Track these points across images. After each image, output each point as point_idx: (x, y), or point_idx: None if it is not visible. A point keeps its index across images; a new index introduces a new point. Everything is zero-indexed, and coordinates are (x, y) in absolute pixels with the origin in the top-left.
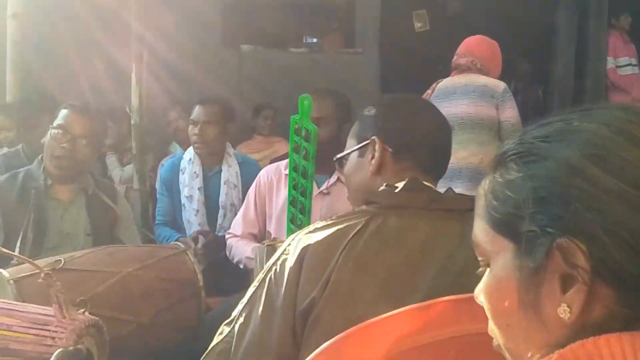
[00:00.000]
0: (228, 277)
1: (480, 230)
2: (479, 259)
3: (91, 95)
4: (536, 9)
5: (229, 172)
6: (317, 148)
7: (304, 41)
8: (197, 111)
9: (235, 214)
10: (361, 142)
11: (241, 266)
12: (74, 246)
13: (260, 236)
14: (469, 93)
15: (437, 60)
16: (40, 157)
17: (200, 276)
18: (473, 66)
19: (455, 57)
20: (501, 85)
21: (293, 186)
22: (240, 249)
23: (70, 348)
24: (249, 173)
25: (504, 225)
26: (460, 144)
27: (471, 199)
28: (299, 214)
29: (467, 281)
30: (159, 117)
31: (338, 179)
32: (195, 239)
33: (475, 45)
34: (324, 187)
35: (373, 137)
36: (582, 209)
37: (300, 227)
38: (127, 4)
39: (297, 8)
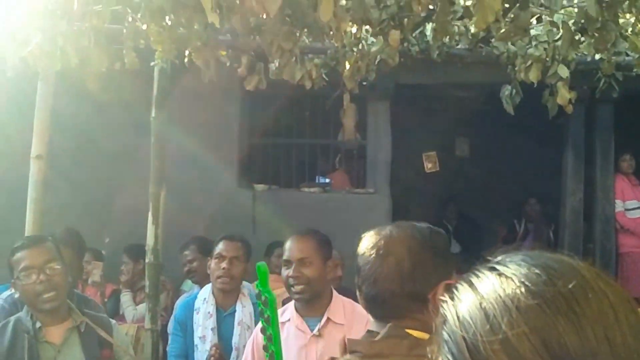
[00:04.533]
0: None
1: None
2: None
3: (110, 233)
4: (543, 152)
5: (243, 312)
6: (304, 290)
7: (317, 181)
8: (223, 246)
9: None
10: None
11: None
12: None
13: None
14: None
15: (448, 199)
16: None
17: None
18: None
19: None
20: None
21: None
22: None
23: None
24: None
25: None
26: None
27: None
28: None
29: None
30: (174, 256)
31: (328, 319)
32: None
33: None
34: (315, 330)
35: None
36: None
37: None
38: (148, 146)
39: (310, 149)
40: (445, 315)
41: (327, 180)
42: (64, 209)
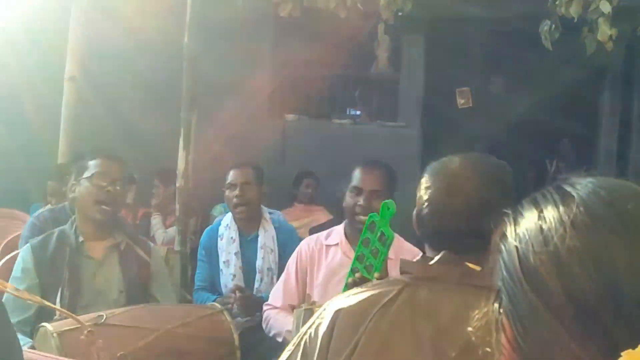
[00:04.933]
0: (262, 344)
1: None
2: None
3: (143, 156)
4: (580, 91)
5: (266, 236)
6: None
7: (348, 113)
8: (234, 174)
9: (272, 278)
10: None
11: (279, 339)
12: (107, 303)
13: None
14: None
15: (479, 137)
16: (73, 217)
17: (236, 336)
18: None
19: None
20: None
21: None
22: (280, 321)
23: None
24: (285, 238)
25: None
26: None
27: None
28: None
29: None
30: (204, 182)
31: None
32: (234, 292)
33: None
34: None
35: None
36: None
37: None
38: (182, 72)
39: (342, 80)
40: (505, 230)
41: (358, 113)
42: (96, 130)
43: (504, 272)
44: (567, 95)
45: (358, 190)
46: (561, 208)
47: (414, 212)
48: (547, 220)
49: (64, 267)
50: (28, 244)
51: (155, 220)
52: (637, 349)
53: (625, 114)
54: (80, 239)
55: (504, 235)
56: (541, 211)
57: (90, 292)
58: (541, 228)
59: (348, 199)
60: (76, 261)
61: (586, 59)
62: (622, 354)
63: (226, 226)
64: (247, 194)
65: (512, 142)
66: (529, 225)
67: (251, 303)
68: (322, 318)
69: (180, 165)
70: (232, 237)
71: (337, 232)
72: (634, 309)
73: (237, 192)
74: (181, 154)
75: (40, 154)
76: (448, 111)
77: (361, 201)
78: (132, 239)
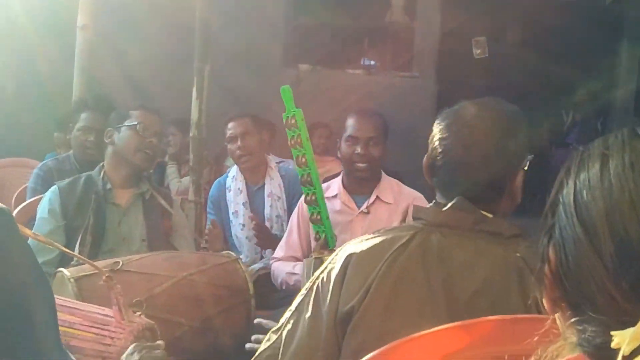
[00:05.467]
0: (275, 292)
1: None
2: None
3: (157, 105)
4: (598, 41)
5: (272, 184)
6: (368, 168)
7: (362, 63)
8: (232, 127)
9: (282, 224)
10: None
11: (284, 287)
12: (130, 251)
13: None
14: None
15: (495, 88)
16: (101, 164)
17: (250, 285)
18: None
19: None
20: None
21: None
22: (280, 268)
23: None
24: (292, 185)
25: None
26: None
27: (518, 226)
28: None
29: (504, 305)
30: (218, 132)
31: (377, 197)
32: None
33: None
34: (363, 206)
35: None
36: None
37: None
38: (194, 21)
39: (356, 31)
40: (571, 166)
41: (373, 63)
42: (109, 80)
43: (560, 207)
44: (585, 43)
45: (354, 140)
46: (627, 149)
47: (425, 161)
48: (610, 160)
49: (89, 212)
50: (55, 186)
51: (171, 170)
52: None
53: None
54: (108, 185)
55: (568, 171)
56: (607, 148)
57: (114, 239)
58: (602, 167)
59: (345, 149)
60: (102, 207)
61: (605, 7)
62: None
63: (233, 178)
64: (249, 143)
65: (527, 92)
66: (592, 163)
67: (265, 234)
68: (335, 263)
69: (194, 114)
70: (239, 188)
71: (337, 183)
72: None
73: (238, 143)
74: (194, 103)
75: (49, 105)
76: (463, 61)
77: (359, 149)
78: (156, 189)
